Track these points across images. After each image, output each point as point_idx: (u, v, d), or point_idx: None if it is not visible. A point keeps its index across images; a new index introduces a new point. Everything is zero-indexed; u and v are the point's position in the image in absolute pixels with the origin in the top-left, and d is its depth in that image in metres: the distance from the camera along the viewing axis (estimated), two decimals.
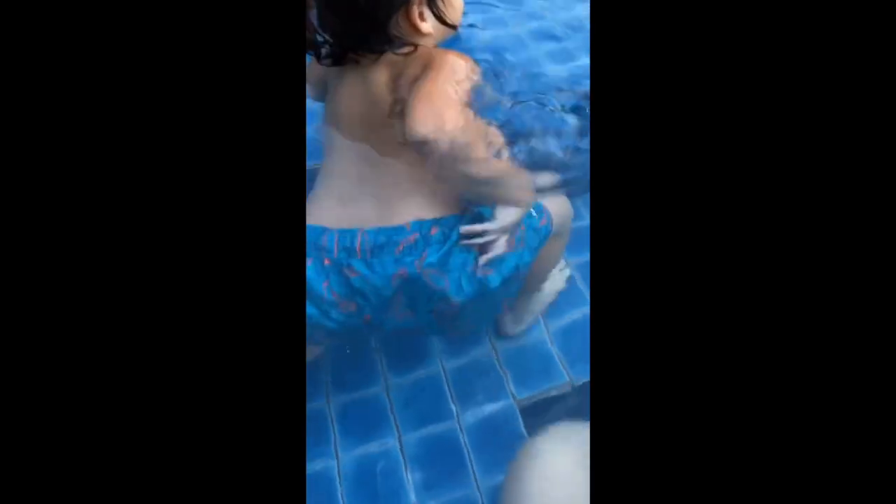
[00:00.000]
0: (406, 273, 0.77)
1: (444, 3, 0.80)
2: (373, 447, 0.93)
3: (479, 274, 0.78)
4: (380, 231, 0.77)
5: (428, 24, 0.79)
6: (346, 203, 0.80)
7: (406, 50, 0.78)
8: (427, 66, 0.76)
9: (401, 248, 0.77)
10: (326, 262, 0.78)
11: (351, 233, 0.78)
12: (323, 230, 0.79)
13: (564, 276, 1.09)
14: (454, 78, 0.76)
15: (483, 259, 0.77)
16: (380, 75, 0.79)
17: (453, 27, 0.83)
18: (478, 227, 0.77)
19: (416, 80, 0.75)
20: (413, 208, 0.78)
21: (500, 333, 1.03)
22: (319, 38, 0.79)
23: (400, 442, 0.93)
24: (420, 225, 0.77)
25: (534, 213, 0.85)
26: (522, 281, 0.87)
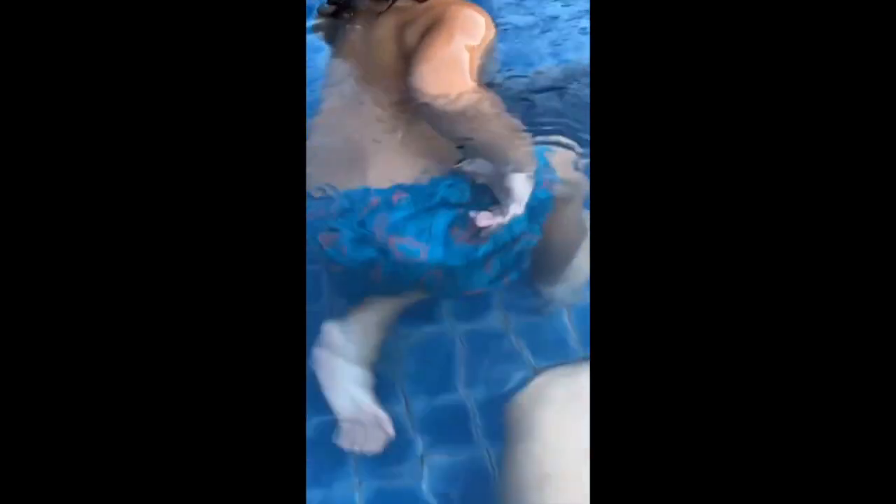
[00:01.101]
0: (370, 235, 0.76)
1: None
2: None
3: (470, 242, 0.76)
4: (348, 194, 0.77)
5: None
6: (328, 161, 0.80)
7: None
8: (440, 19, 0.73)
9: (366, 210, 0.76)
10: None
11: (328, 199, 0.78)
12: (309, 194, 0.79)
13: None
14: (467, 37, 0.73)
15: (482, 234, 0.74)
16: (388, 20, 0.76)
17: None
18: (499, 219, 0.72)
19: (428, 31, 0.73)
20: (388, 168, 0.77)
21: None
22: None
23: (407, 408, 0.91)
24: (383, 191, 0.76)
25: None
26: (533, 252, 0.84)
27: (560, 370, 0.66)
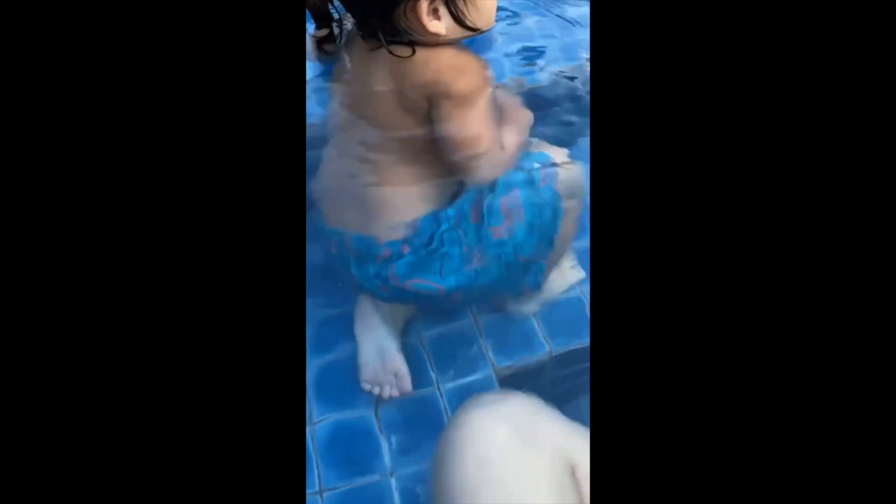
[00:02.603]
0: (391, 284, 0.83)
1: (464, 1, 0.72)
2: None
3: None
4: (358, 239, 0.83)
5: (439, 24, 0.71)
6: (335, 200, 0.86)
7: (404, 52, 0.73)
8: (444, 83, 0.73)
9: (378, 260, 0.82)
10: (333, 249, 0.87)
11: (339, 234, 0.84)
12: (322, 225, 0.87)
13: (577, 274, 1.04)
14: (484, 96, 0.76)
15: None
16: (380, 64, 0.76)
17: (474, 30, 0.75)
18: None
19: (438, 99, 0.74)
20: (390, 212, 0.81)
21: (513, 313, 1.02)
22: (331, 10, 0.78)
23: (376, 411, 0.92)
24: (392, 243, 0.81)
25: (536, 165, 0.83)
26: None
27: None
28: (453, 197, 0.84)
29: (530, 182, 0.83)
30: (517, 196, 0.82)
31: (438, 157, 0.79)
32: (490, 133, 0.78)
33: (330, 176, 0.87)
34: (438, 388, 0.94)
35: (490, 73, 0.79)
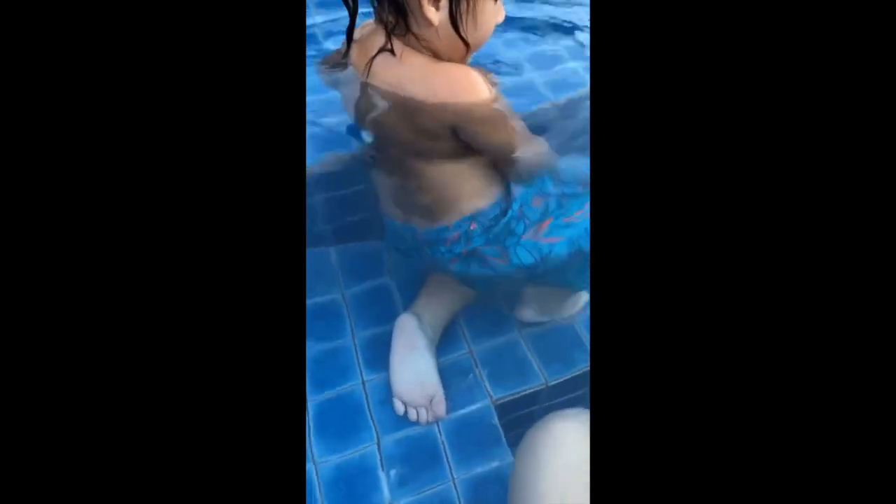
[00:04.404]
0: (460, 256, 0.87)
1: (467, 7, 0.75)
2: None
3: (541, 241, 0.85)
4: (428, 232, 0.88)
5: (435, 14, 0.75)
6: (398, 203, 0.91)
7: (396, 48, 0.77)
8: (463, 113, 0.77)
9: (448, 243, 0.87)
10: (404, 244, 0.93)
11: (411, 228, 0.90)
12: (392, 221, 0.92)
13: (582, 299, 1.07)
14: (503, 114, 0.80)
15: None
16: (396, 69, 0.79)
17: (462, 41, 0.78)
18: None
19: (461, 126, 0.78)
20: (450, 211, 0.86)
21: (519, 317, 1.05)
22: None
23: (378, 443, 0.93)
24: (459, 224, 0.86)
25: None
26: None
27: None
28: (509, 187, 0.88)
29: None
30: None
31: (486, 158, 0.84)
32: (526, 134, 0.82)
33: (385, 175, 0.92)
34: (437, 424, 0.95)
35: (493, 79, 0.82)
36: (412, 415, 0.93)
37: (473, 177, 0.86)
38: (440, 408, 0.93)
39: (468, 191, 0.86)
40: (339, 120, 0.92)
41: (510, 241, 0.86)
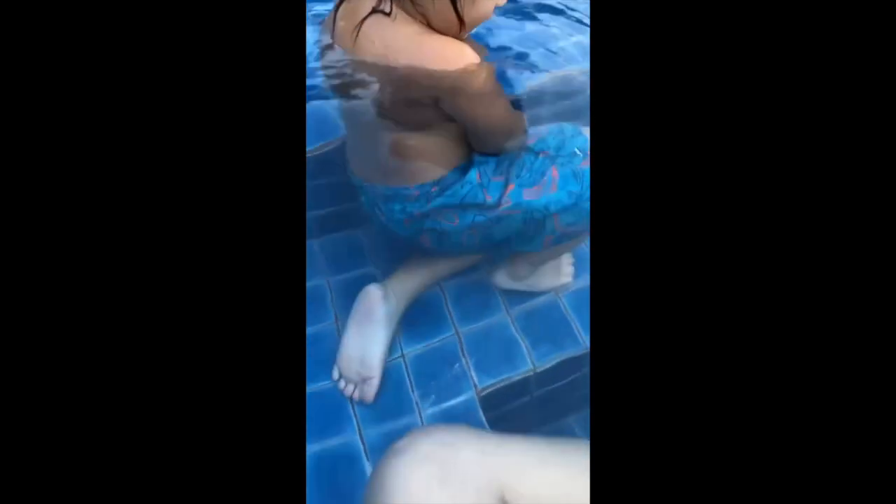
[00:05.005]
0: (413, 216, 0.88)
1: None
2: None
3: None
4: (387, 188, 0.89)
5: None
6: (365, 165, 0.92)
7: (386, 7, 0.75)
8: (452, 80, 0.75)
9: (408, 200, 0.88)
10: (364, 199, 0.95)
11: (373, 187, 0.91)
12: (360, 181, 0.93)
13: (569, 276, 1.07)
14: (492, 91, 0.79)
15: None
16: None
17: (461, 19, 0.76)
18: None
19: (449, 97, 0.77)
20: (415, 175, 0.87)
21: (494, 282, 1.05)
22: None
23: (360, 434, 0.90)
24: (421, 186, 0.87)
25: (577, 152, 0.87)
26: (552, 230, 0.90)
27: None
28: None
29: (570, 161, 0.87)
30: (553, 168, 0.86)
31: (458, 127, 0.84)
32: (509, 113, 0.83)
33: (358, 137, 0.93)
34: (419, 414, 0.92)
35: (484, 52, 0.81)
36: (341, 385, 0.93)
37: (443, 146, 0.85)
38: (369, 392, 0.92)
39: (435, 159, 0.86)
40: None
41: (469, 211, 0.87)
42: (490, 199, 0.86)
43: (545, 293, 1.05)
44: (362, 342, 0.94)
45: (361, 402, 0.92)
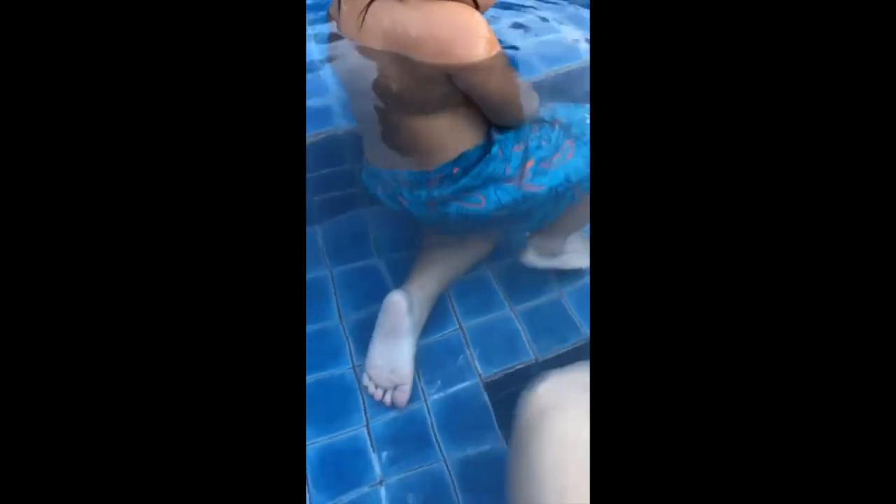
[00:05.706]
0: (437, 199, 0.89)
1: None
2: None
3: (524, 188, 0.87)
4: (411, 174, 0.90)
5: None
6: (384, 153, 0.93)
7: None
8: (459, 55, 0.76)
9: (431, 185, 0.89)
10: (386, 189, 0.96)
11: (394, 173, 0.92)
12: (378, 170, 0.95)
13: (584, 260, 1.07)
14: (504, 63, 0.80)
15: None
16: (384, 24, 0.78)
17: (475, 1, 0.77)
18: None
19: (459, 71, 0.77)
20: (434, 157, 0.88)
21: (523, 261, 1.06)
22: None
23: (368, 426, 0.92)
24: (442, 168, 0.88)
25: (587, 117, 0.90)
26: (572, 198, 0.92)
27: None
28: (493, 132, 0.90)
29: (581, 125, 0.90)
30: (568, 139, 0.88)
31: (473, 107, 0.85)
32: (518, 87, 0.85)
33: (370, 123, 0.92)
34: (426, 402, 0.94)
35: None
36: (371, 389, 0.95)
37: (459, 124, 0.86)
38: (401, 398, 0.93)
39: (454, 138, 0.87)
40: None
41: (491, 187, 0.88)
42: (510, 171, 0.88)
43: (576, 271, 1.07)
44: (390, 352, 0.95)
45: (394, 407, 0.94)
